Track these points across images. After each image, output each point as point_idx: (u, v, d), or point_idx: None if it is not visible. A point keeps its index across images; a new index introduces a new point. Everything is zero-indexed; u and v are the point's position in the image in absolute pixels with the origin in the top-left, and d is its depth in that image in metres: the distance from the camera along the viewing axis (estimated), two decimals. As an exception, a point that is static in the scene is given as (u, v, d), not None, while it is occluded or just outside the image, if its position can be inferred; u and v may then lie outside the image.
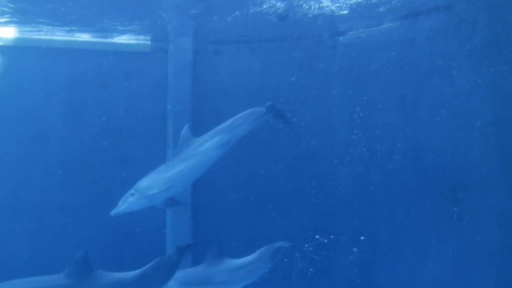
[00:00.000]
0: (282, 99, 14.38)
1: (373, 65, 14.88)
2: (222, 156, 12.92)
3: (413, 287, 14.10)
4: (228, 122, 13.17)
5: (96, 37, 15.97)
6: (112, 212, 12.69)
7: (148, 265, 11.87)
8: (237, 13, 14.95)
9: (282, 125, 14.47)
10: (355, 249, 14.72)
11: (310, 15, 15.00)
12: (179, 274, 12.63)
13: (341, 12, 14.80)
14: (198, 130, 13.45)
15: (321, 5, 14.64)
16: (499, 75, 12.91)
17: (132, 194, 12.74)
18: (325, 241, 14.82)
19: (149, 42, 16.09)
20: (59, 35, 15.81)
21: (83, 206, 15.39)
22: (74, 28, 15.62)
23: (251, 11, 14.85)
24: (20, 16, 15.07)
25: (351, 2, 14.50)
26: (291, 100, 15.07)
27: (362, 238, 14.72)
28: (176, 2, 14.75)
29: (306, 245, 14.84)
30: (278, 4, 14.63)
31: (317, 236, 14.87)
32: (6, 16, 14.90)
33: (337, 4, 14.58)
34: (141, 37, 16.04)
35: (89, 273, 11.30)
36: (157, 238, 15.51)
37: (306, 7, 14.71)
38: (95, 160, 15.68)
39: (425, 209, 14.04)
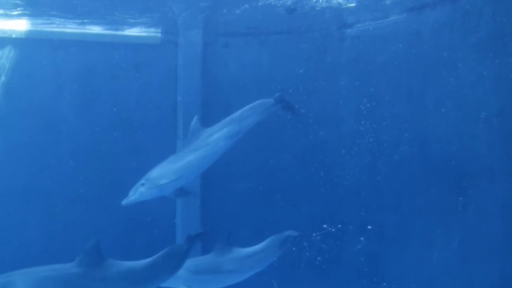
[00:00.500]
0: (290, 91, 14.52)
1: (380, 57, 14.97)
2: (231, 146, 13.07)
3: (419, 275, 14.20)
4: (237, 113, 13.29)
5: (107, 29, 16.06)
6: (123, 202, 12.88)
7: (159, 253, 12.04)
8: (246, 6, 15.03)
9: (291, 116, 14.52)
10: (362, 238, 14.83)
11: (318, 8, 15.06)
12: (189, 263, 12.79)
13: (349, 5, 14.86)
14: (207, 121, 13.58)
15: (328, -2, 14.79)
16: (504, 67, 12.94)
17: (142, 184, 12.90)
18: (333, 230, 14.92)
19: (159, 35, 16.15)
20: (71, 28, 15.91)
21: (95, 196, 15.54)
22: (85, 20, 15.75)
23: (260, 3, 14.95)
24: (32, 9, 15.21)
25: (358, -5, 14.65)
26: (299, 92, 15.15)
27: (369, 227, 14.84)
28: (186, -5, 14.93)
29: (314, 234, 14.97)
30: (287, -3, 14.78)
31: (324, 226, 14.98)
32: (18, 8, 15.05)
33: (345, -3, 14.74)
34: (152, 29, 16.10)
35: (100, 262, 11.45)
36: (167, 227, 15.65)
37: (314, 0, 14.81)
38: (106, 150, 15.84)
39: (431, 199, 14.13)
